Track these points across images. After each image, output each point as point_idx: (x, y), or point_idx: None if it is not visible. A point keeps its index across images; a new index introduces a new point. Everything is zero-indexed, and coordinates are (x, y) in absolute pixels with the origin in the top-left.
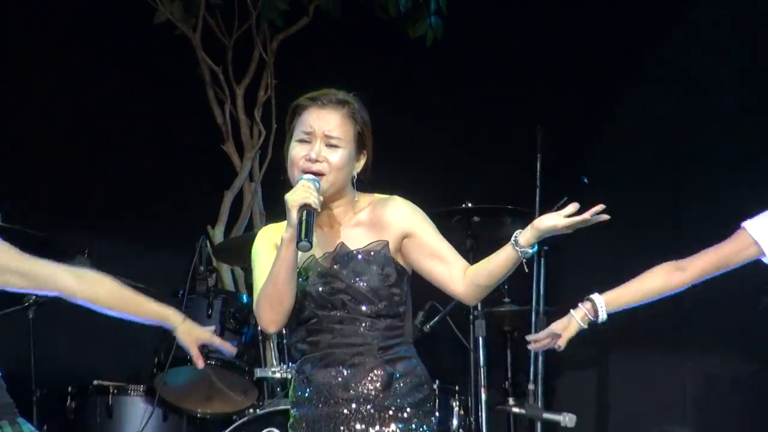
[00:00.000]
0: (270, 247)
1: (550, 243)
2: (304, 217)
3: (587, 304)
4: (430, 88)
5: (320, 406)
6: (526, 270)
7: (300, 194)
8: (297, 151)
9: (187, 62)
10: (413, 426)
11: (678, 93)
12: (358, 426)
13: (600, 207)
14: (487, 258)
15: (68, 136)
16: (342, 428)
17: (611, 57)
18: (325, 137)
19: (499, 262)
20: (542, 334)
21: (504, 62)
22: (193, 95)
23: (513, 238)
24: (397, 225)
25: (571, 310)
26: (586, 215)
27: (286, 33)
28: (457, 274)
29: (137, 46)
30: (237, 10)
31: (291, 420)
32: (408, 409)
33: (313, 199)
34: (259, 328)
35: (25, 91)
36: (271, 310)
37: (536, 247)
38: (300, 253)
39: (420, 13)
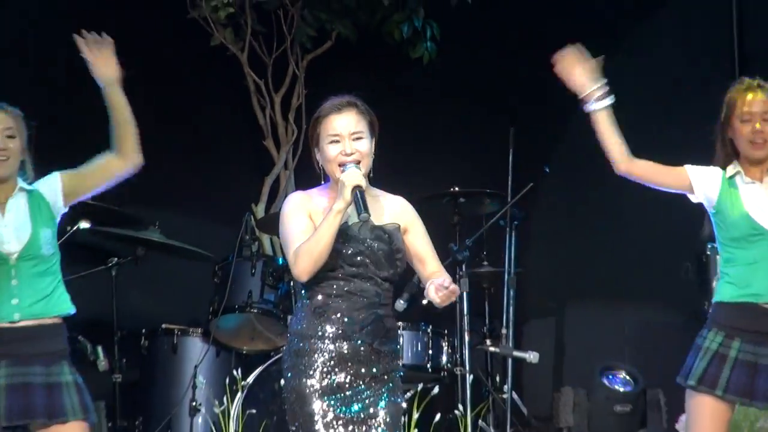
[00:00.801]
0: (301, 209)
1: (519, 218)
2: (359, 195)
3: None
4: (426, 96)
5: (325, 341)
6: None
7: (353, 177)
8: (331, 151)
9: (236, 77)
10: (391, 366)
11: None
12: (358, 363)
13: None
14: (437, 267)
15: (145, 131)
16: (347, 363)
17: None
18: (350, 134)
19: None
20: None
21: (484, 76)
22: (240, 102)
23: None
24: (404, 219)
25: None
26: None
27: (313, 54)
28: (425, 276)
29: (198, 63)
30: (275, 35)
31: (292, 351)
32: (391, 354)
33: (363, 181)
34: (293, 275)
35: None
36: (310, 263)
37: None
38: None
39: (418, 39)
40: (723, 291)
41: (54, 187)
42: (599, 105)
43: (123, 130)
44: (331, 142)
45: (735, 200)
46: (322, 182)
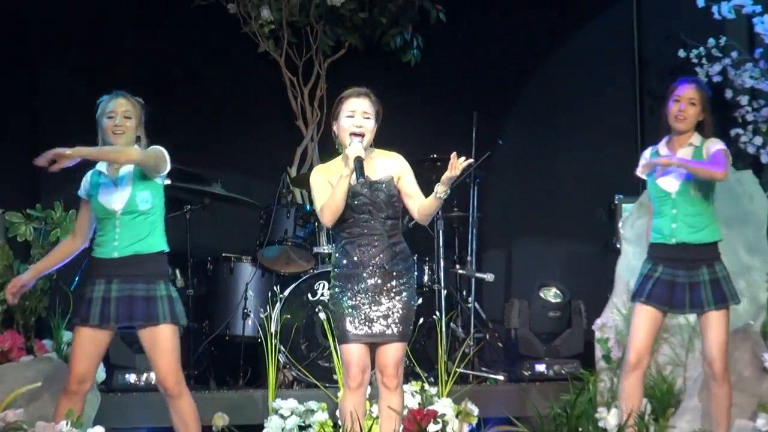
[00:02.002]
0: (322, 178)
1: (479, 176)
2: (358, 164)
3: None
4: (413, 88)
5: (354, 268)
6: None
7: (356, 150)
8: (346, 123)
9: (276, 75)
10: (404, 279)
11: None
12: (377, 280)
13: (468, 161)
14: (426, 199)
15: (213, 115)
16: (368, 281)
17: (516, 68)
18: (362, 113)
19: (431, 205)
20: None
21: (454, 74)
22: (279, 93)
23: (435, 191)
24: (397, 170)
25: None
26: (462, 165)
27: (332, 58)
28: (415, 208)
29: (249, 65)
30: (304, 44)
31: (333, 275)
32: (402, 271)
33: (362, 153)
34: (320, 223)
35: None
36: (330, 214)
37: (449, 193)
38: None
39: (408, 47)
40: (651, 235)
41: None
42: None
43: None
44: (348, 116)
45: (652, 171)
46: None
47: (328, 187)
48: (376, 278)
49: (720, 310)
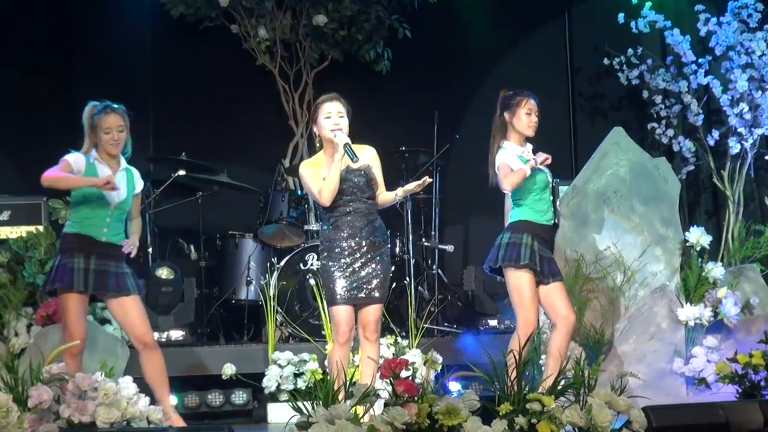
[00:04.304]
0: (313, 169)
1: (441, 165)
2: (349, 148)
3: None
4: (385, 92)
5: (342, 241)
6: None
7: (343, 138)
8: (326, 123)
9: (271, 83)
10: (382, 249)
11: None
12: (362, 249)
13: (427, 180)
14: (386, 193)
15: (219, 117)
16: (355, 251)
17: (471, 74)
18: (337, 113)
19: (388, 200)
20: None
21: (418, 79)
22: (274, 98)
23: (396, 192)
24: (371, 161)
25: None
26: (419, 185)
27: (317, 68)
28: (378, 195)
29: (248, 75)
30: (294, 58)
31: (323, 248)
32: (381, 241)
33: (348, 139)
34: (309, 205)
35: (199, 103)
36: (329, 195)
37: (403, 198)
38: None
39: (380, 59)
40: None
41: (139, 186)
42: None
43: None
44: (326, 117)
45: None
46: (319, 150)
47: (319, 176)
48: (362, 248)
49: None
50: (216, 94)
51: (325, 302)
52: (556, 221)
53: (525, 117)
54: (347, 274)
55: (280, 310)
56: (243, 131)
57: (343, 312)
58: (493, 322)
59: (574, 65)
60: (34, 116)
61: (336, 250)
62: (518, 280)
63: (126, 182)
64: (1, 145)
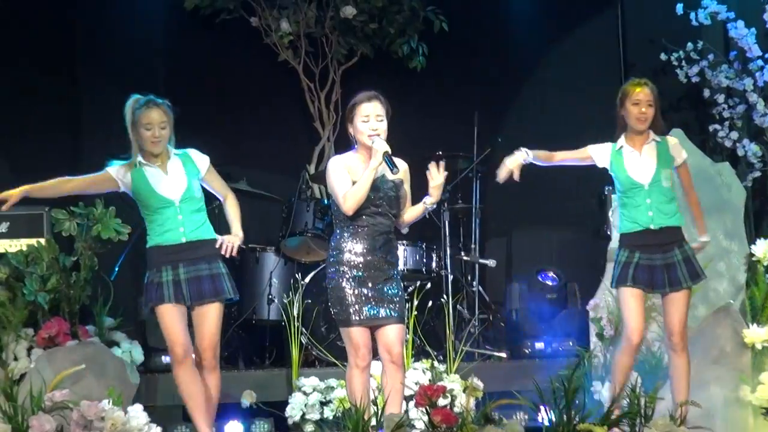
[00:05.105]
0: (341, 166)
1: (481, 171)
2: (388, 158)
3: (522, 153)
4: (420, 91)
5: (359, 256)
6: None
7: (382, 145)
8: (363, 127)
9: (295, 81)
10: (396, 268)
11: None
12: (380, 268)
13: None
14: (413, 208)
15: (240, 116)
16: (372, 269)
17: (513, 71)
18: (376, 116)
19: (417, 213)
20: (503, 172)
21: (457, 77)
22: (298, 98)
23: (424, 201)
24: (402, 175)
25: (515, 152)
26: (442, 172)
27: (346, 65)
28: (404, 213)
29: (270, 73)
30: (320, 53)
31: (335, 261)
32: (396, 260)
33: (388, 147)
34: (339, 207)
35: (216, 104)
36: (355, 203)
37: (435, 206)
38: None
39: (414, 55)
40: (622, 226)
41: (203, 163)
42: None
43: (232, 220)
44: (363, 120)
45: (621, 165)
46: (354, 147)
47: (347, 176)
48: (379, 266)
49: (688, 289)
50: (234, 94)
51: (337, 323)
52: (652, 227)
53: (630, 107)
54: (363, 291)
55: (304, 331)
56: (264, 134)
57: (360, 333)
58: (539, 345)
59: (628, 61)
60: (35, 119)
61: (350, 264)
62: (622, 296)
63: (184, 169)
64: None
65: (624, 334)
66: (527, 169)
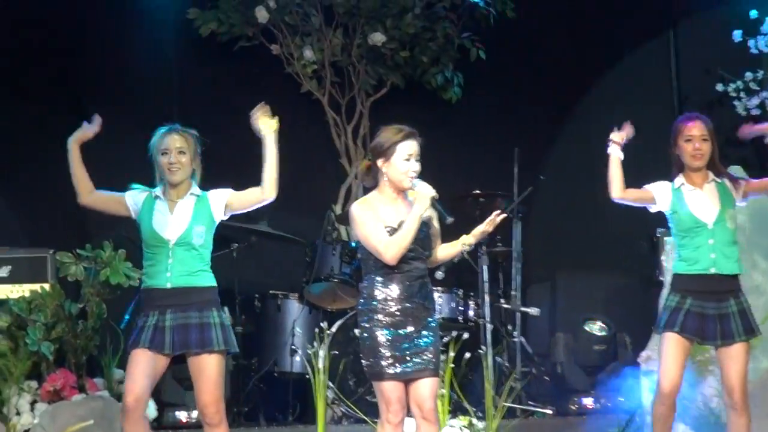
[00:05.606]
0: (371, 213)
1: (522, 211)
2: (438, 204)
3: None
4: (455, 125)
5: (395, 303)
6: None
7: (429, 190)
8: (404, 167)
9: (319, 114)
10: (433, 315)
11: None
12: (416, 315)
13: (497, 219)
14: (446, 246)
15: (257, 153)
16: (408, 316)
17: (556, 103)
18: (416, 156)
19: (452, 254)
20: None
21: (495, 111)
22: (322, 132)
23: (461, 241)
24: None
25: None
26: (490, 222)
27: (374, 97)
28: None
29: (292, 105)
30: (347, 84)
31: (368, 308)
32: (431, 307)
33: (435, 192)
34: (379, 257)
35: (233, 138)
36: (399, 251)
37: (473, 247)
38: (393, 216)
39: (449, 85)
40: (677, 266)
41: (222, 198)
42: (617, 153)
43: (268, 172)
44: (405, 159)
45: (683, 203)
46: (377, 187)
47: (379, 221)
48: (415, 313)
49: (745, 342)
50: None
51: (368, 375)
52: (713, 270)
53: (683, 144)
54: (397, 343)
55: (331, 384)
56: (286, 171)
57: (394, 387)
58: (587, 401)
59: (682, 92)
60: (40, 155)
61: (385, 312)
62: (665, 342)
63: (192, 211)
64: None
65: (657, 381)
66: (570, 208)
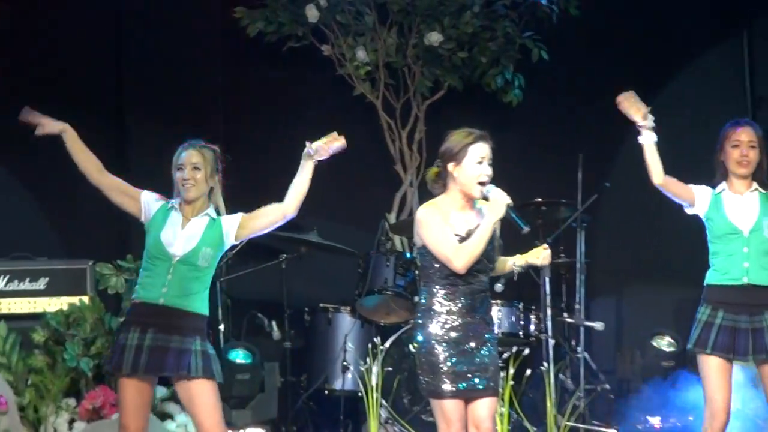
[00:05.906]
0: (439, 218)
1: (586, 221)
2: (513, 212)
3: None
4: (515, 130)
5: (458, 317)
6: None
7: (504, 196)
8: (475, 171)
9: (372, 118)
10: (493, 330)
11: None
12: (477, 331)
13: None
14: (502, 260)
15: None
16: (469, 332)
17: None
18: (489, 159)
19: (503, 270)
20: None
21: (558, 114)
22: (376, 137)
23: (514, 262)
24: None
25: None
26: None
27: (430, 99)
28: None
29: (344, 108)
30: (402, 86)
31: (430, 323)
32: (492, 322)
33: (510, 200)
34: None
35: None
36: (470, 260)
37: (522, 270)
38: (462, 223)
39: (509, 88)
40: (710, 276)
41: (233, 222)
42: (648, 140)
43: (297, 188)
44: (477, 162)
45: (720, 209)
46: (444, 191)
47: (448, 229)
48: (478, 329)
49: None
50: (303, 132)
51: (425, 393)
52: (746, 280)
53: (730, 150)
54: (459, 359)
55: (384, 403)
56: (337, 178)
57: (454, 406)
58: (654, 420)
59: (756, 94)
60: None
61: (446, 327)
62: (701, 364)
63: (203, 233)
64: (36, 199)
65: (708, 412)
66: (637, 217)
